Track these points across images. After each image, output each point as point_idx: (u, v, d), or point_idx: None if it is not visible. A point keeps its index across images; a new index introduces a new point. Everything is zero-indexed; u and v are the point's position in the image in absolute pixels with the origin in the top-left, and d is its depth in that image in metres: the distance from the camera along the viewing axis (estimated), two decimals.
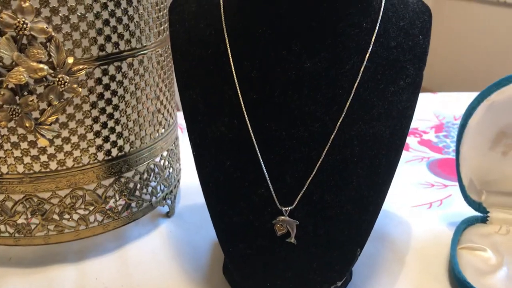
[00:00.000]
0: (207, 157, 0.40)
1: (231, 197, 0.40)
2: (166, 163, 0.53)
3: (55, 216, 0.46)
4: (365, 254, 0.43)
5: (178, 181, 0.57)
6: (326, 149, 0.38)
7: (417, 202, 0.59)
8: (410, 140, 0.77)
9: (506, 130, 0.50)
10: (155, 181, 0.52)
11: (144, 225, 0.54)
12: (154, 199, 0.52)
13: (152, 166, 0.51)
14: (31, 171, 0.44)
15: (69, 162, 0.45)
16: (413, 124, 0.67)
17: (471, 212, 0.52)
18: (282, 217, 0.39)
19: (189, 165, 0.59)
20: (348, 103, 0.38)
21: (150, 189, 0.51)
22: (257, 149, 0.39)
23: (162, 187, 0.53)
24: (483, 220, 0.52)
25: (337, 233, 0.39)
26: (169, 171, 0.54)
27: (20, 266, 0.48)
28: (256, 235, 0.40)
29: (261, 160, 0.39)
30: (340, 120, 0.38)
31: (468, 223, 0.51)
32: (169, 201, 0.55)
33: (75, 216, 0.46)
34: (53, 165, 0.44)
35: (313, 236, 0.39)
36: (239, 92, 0.39)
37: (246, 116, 0.39)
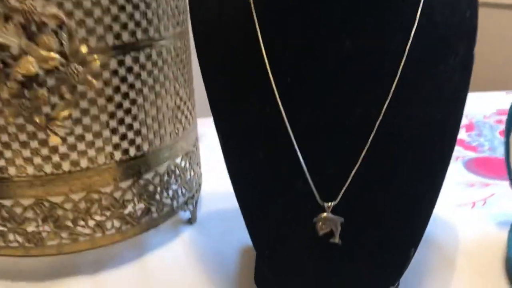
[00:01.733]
0: (237, 150, 0.36)
1: (265, 193, 0.35)
2: (187, 165, 0.49)
3: (69, 223, 0.41)
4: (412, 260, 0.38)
5: (200, 185, 0.53)
6: (371, 137, 0.34)
7: (459, 202, 0.54)
8: None
9: None
10: (176, 184, 0.48)
11: (165, 233, 0.50)
12: (175, 203, 0.48)
13: (172, 167, 0.47)
14: (42, 173, 0.40)
15: (84, 162, 0.41)
16: None
17: None
18: (325, 214, 0.34)
19: (210, 170, 0.56)
20: (394, 85, 0.34)
21: (171, 192, 0.47)
22: (293, 139, 0.35)
23: (184, 190, 0.49)
24: None
25: (387, 231, 0.35)
26: (190, 174, 0.50)
27: (30, 279, 0.44)
28: (295, 235, 0.35)
29: (298, 151, 0.34)
30: (386, 104, 0.34)
31: None
32: (191, 207, 0.50)
33: (91, 223, 0.42)
34: (66, 166, 0.40)
35: (360, 235, 0.35)
36: (270, 76, 0.35)
37: (279, 103, 0.35)
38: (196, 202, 0.52)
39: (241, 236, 0.44)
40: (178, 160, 0.47)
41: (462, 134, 0.74)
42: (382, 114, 0.34)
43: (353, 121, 0.35)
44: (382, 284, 0.35)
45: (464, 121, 0.80)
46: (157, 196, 0.45)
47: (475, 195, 0.56)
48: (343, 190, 0.34)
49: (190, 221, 0.52)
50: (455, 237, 0.48)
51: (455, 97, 0.35)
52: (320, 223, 0.34)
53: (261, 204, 0.35)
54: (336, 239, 0.34)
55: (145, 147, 0.44)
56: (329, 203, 0.34)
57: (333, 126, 0.35)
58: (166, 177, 0.46)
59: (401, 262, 0.35)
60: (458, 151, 0.68)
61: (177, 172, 0.47)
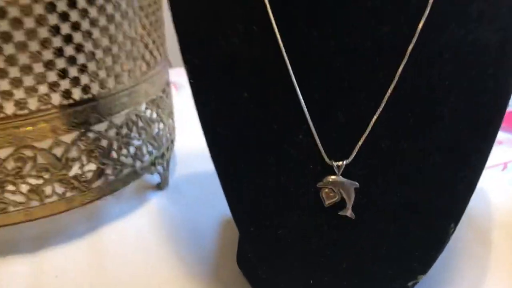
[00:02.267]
0: (210, 86, 0.26)
1: (251, 148, 0.25)
2: (154, 115, 0.39)
3: None
4: None
5: (172, 142, 0.43)
6: (401, 67, 0.24)
7: (487, 164, 0.45)
8: None
9: None
10: (139, 139, 0.37)
11: (127, 201, 0.40)
12: (138, 164, 0.38)
13: (133, 117, 0.36)
14: None
15: (9, 107, 0.31)
16: None
17: None
18: (333, 177, 0.25)
19: (187, 124, 0.45)
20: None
21: (132, 149, 0.37)
22: (290, 70, 0.24)
23: (150, 148, 0.39)
24: None
25: (419, 200, 0.25)
26: (158, 127, 0.40)
27: None
28: (292, 206, 0.25)
29: (296, 86, 0.24)
30: (421, 23, 0.24)
31: None
32: (160, 168, 0.40)
33: (23, 188, 0.32)
34: None
35: (382, 206, 0.25)
36: None
37: (272, 20, 0.24)
38: (168, 163, 0.42)
39: (222, 205, 0.34)
40: (141, 108, 0.37)
41: None
42: (417, 33, 0.24)
43: (376, 41, 0.24)
44: (409, 272, 0.26)
45: None
46: (114, 154, 0.35)
47: (505, 155, 0.47)
48: (359, 144, 0.24)
49: (160, 186, 0.42)
50: (487, 205, 0.39)
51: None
52: (327, 189, 0.25)
53: (244, 163, 0.26)
54: (348, 212, 0.25)
55: (95, 88, 0.33)
56: (340, 162, 0.25)
57: (346, 51, 0.24)
58: (125, 130, 0.36)
59: (436, 242, 0.25)
60: None
61: (140, 124, 0.37)
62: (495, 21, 0.24)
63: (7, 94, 0.30)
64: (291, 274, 0.26)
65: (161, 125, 0.40)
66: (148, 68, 0.37)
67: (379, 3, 0.24)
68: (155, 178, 0.42)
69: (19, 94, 0.30)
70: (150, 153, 0.39)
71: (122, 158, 0.36)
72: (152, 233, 0.37)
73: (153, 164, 0.39)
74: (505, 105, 0.25)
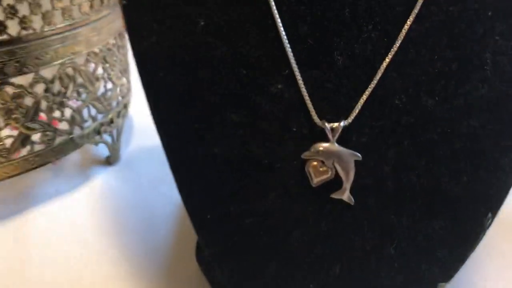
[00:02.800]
0: (149, 9, 0.18)
1: (208, 102, 0.18)
2: (100, 70, 0.31)
3: None
4: None
5: (126, 106, 0.35)
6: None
7: None
8: None
9: None
10: (78, 99, 0.30)
11: (66, 178, 0.33)
12: (77, 130, 0.30)
13: (70, 71, 0.28)
14: None
15: None
16: None
17: None
18: (324, 144, 0.17)
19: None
20: None
21: (68, 112, 0.29)
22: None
23: (94, 112, 0.31)
24: None
25: (447, 182, 0.18)
26: (105, 86, 0.32)
27: None
28: (265, 186, 0.18)
29: (274, 7, 0.17)
30: None
31: None
32: (108, 138, 0.33)
33: None
34: None
35: (393, 188, 0.18)
36: None
37: None
38: (119, 132, 0.34)
39: None
40: (79, 60, 0.29)
41: None
42: None
43: None
44: (429, 278, 0.18)
45: None
46: (43, 116, 0.28)
47: None
48: (362, 99, 0.17)
49: (109, 160, 0.34)
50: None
51: None
52: (315, 162, 0.17)
53: (199, 127, 0.18)
54: (345, 195, 0.17)
55: (14, 28, 0.25)
56: (335, 124, 0.17)
57: None
58: (57, 86, 0.28)
59: (465, 240, 0.18)
60: None
61: (80, 79, 0.29)
62: None
63: None
64: (262, 281, 0.18)
65: (110, 84, 0.32)
66: (91, 9, 0.29)
67: None
68: (104, 151, 0.34)
69: None
70: (93, 118, 0.31)
71: (54, 122, 0.28)
72: (93, 219, 0.29)
73: (97, 132, 0.31)
74: None
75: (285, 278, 0.18)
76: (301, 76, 0.17)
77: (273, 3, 0.17)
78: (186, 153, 0.18)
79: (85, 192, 0.32)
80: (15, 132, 0.27)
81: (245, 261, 0.18)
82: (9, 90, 0.26)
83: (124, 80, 0.34)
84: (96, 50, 0.30)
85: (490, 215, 0.18)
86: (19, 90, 0.26)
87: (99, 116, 0.31)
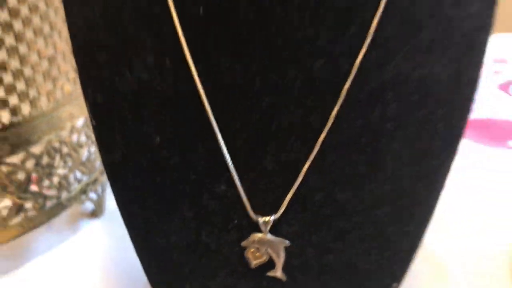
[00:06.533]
0: (116, 128, 0.22)
1: (165, 200, 0.22)
2: (83, 138, 0.35)
3: None
4: None
5: None
6: (337, 107, 0.21)
7: None
8: None
9: None
10: (64, 167, 0.34)
11: (57, 232, 0.37)
12: (65, 194, 0.34)
13: (56, 144, 0.33)
14: None
15: None
16: None
17: None
18: (259, 234, 0.21)
19: None
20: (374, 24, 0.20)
21: (56, 179, 0.33)
22: (209, 111, 0.21)
23: (79, 175, 0.35)
24: None
25: (359, 259, 0.22)
26: (89, 150, 0.36)
27: None
28: (215, 267, 0.22)
29: (216, 129, 0.21)
30: (360, 56, 0.20)
31: None
32: (93, 195, 0.37)
33: None
34: None
35: (316, 266, 0.22)
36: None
37: (186, 51, 0.21)
38: (104, 188, 0.38)
39: None
40: (64, 134, 0.33)
41: None
42: (355, 71, 0.20)
43: (311, 80, 0.21)
44: None
45: None
46: (33, 188, 0.32)
47: None
48: (289, 196, 0.21)
49: (95, 213, 0.38)
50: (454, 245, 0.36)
51: (471, 41, 0.22)
52: (253, 249, 0.21)
53: (158, 220, 0.22)
54: (278, 273, 0.22)
55: (5, 118, 0.29)
56: (267, 218, 0.21)
57: (278, 86, 0.21)
58: (46, 159, 0.32)
59: None
60: None
61: (65, 149, 0.33)
62: (447, 51, 0.21)
63: None
64: None
65: (93, 148, 0.36)
66: (74, 87, 0.33)
67: (311, 33, 0.20)
68: (90, 205, 0.38)
69: None
70: (79, 181, 0.35)
71: (45, 191, 0.32)
72: (82, 270, 0.33)
73: (83, 192, 0.35)
74: (455, 150, 0.21)
75: None
76: (239, 179, 0.21)
77: (214, 123, 0.21)
78: (149, 243, 0.22)
79: (75, 244, 0.36)
80: (9, 203, 0.31)
81: None
82: (4, 168, 0.30)
83: None
84: (80, 122, 0.34)
85: (395, 284, 0.22)
86: (12, 168, 0.30)
87: (84, 178, 0.35)
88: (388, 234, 0.21)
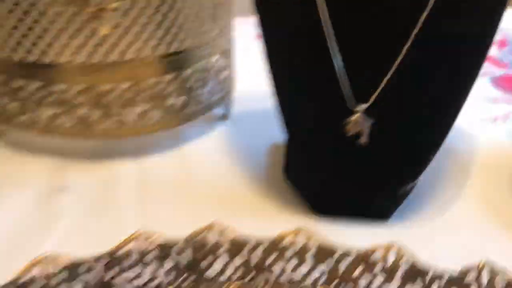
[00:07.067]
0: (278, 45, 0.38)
1: (301, 92, 0.38)
2: (223, 63, 0.51)
3: (116, 110, 0.45)
4: (429, 166, 0.40)
5: (234, 84, 0.55)
6: (406, 46, 0.35)
7: (481, 117, 0.56)
8: None
9: None
10: (212, 81, 0.50)
11: (201, 127, 0.53)
12: (211, 99, 0.51)
13: (210, 65, 0.49)
14: (92, 61, 0.43)
15: (130, 54, 0.43)
16: None
17: None
18: (356, 115, 0.37)
19: (244, 71, 0.58)
20: None
21: (208, 88, 0.50)
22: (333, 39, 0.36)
23: (220, 87, 0.51)
24: None
25: (411, 136, 0.37)
26: (225, 72, 0.52)
27: (80, 159, 0.48)
28: (326, 134, 0.38)
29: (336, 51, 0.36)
30: (424, 15, 0.35)
31: None
32: (225, 104, 0.53)
33: (137, 110, 0.46)
34: (113, 56, 0.43)
35: (387, 136, 0.37)
36: None
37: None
38: (230, 100, 0.55)
39: (271, 134, 0.47)
40: (215, 59, 0.49)
41: (493, 51, 0.74)
42: (419, 24, 0.35)
43: (390, 27, 0.36)
44: (403, 178, 0.39)
45: (497, 37, 0.79)
46: (196, 92, 0.48)
47: (497, 110, 0.58)
48: (375, 94, 0.36)
49: (224, 117, 0.55)
50: (473, 148, 0.51)
51: (493, 10, 0.36)
52: (351, 124, 0.37)
53: (297, 101, 0.38)
54: (364, 140, 0.37)
55: (186, 43, 0.46)
56: (361, 105, 0.37)
57: (372, 32, 0.36)
58: (204, 74, 0.49)
59: (422, 160, 0.39)
60: (486, 66, 0.69)
61: (214, 69, 0.50)
62: (474, 17, 0.36)
63: (130, 44, 0.43)
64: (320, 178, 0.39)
65: (227, 72, 0.52)
66: (222, 28, 0.49)
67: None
68: (221, 111, 0.55)
69: (137, 44, 0.43)
70: (219, 92, 0.51)
71: (200, 95, 0.49)
72: (220, 150, 0.50)
73: (221, 100, 0.52)
74: (475, 78, 0.36)
75: (333, 169, 0.39)
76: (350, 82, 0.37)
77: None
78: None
79: (212, 136, 0.52)
80: (182, 99, 0.48)
81: (313, 162, 0.39)
82: (181, 77, 0.47)
83: (233, 68, 0.54)
84: (222, 50, 0.50)
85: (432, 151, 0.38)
86: (186, 77, 0.47)
87: (222, 91, 0.52)
88: (430, 124, 0.37)
